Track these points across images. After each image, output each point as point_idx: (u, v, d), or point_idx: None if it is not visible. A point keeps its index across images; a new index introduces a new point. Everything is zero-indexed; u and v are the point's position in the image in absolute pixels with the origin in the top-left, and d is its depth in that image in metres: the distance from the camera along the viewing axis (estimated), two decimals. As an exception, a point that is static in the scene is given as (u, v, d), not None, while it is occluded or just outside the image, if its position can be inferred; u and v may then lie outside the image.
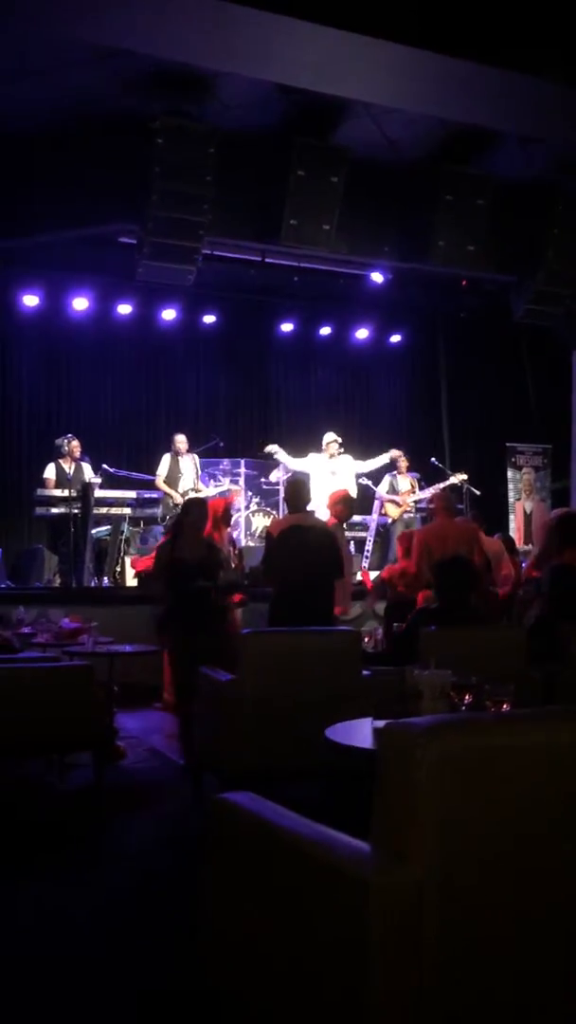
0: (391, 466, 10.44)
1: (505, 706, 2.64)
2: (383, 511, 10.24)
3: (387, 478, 10.42)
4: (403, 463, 10.38)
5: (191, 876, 3.05)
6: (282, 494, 9.53)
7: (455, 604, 4.54)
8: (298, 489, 6.05)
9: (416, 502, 10.24)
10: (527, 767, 1.68)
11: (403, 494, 10.33)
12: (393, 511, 10.24)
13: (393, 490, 10.39)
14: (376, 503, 10.26)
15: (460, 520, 6.78)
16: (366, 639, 4.99)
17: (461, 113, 6.82)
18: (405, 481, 10.45)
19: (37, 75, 6.99)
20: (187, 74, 6.96)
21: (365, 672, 4.23)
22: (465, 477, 10.28)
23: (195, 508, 5.67)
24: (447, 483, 10.17)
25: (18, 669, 4.73)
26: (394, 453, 10.16)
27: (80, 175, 7.97)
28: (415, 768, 1.60)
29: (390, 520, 10.19)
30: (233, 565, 6.37)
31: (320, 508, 9.38)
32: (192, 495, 9.73)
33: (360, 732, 2.87)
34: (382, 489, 10.34)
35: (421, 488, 10.30)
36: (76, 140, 7.85)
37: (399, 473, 10.42)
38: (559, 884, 1.69)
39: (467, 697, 2.82)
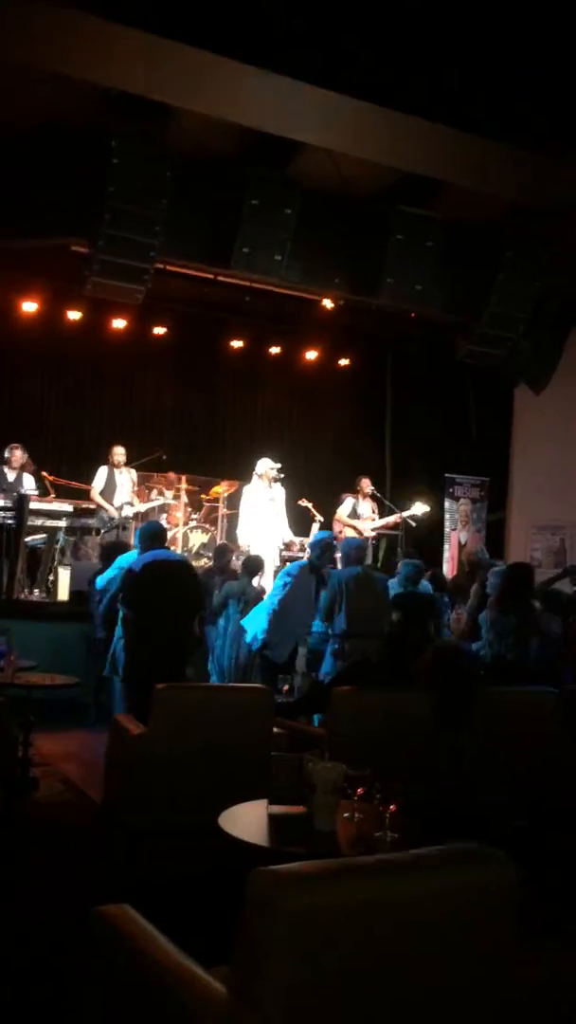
0: (353, 488, 10.36)
1: (393, 807, 2.73)
2: (340, 535, 9.88)
3: (348, 501, 10.19)
4: (367, 487, 10.25)
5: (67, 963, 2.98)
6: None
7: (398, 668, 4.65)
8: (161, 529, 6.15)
9: (374, 530, 10.09)
10: (391, 922, 1.74)
11: (365, 519, 10.06)
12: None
13: (355, 514, 10.20)
14: (335, 527, 10.00)
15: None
16: (283, 688, 5.06)
17: (411, 164, 6.94)
18: (368, 506, 10.25)
19: (-4, 90, 6.92)
20: (147, 100, 6.95)
21: (276, 729, 4.31)
22: (428, 509, 10.19)
23: None
24: (409, 513, 10.13)
25: None
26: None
27: (34, 186, 7.89)
28: (274, 920, 1.66)
29: None
30: None
31: (260, 536, 9.44)
32: (128, 508, 9.75)
33: (254, 819, 2.94)
34: (342, 512, 10.12)
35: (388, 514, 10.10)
36: (32, 152, 7.77)
37: (362, 496, 10.24)
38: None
39: (359, 790, 2.90)
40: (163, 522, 9.79)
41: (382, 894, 1.77)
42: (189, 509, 10.67)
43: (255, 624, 6.49)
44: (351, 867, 1.84)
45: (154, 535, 5.91)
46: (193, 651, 5.67)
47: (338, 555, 7.37)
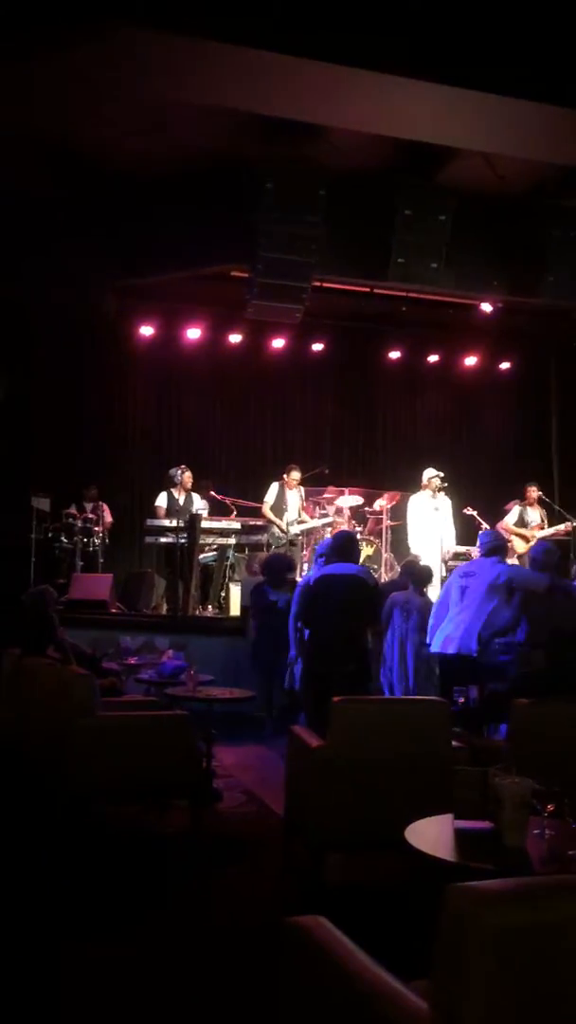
0: (520, 496, 10.14)
1: (586, 823, 2.63)
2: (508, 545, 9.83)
3: (515, 509, 10.04)
4: (533, 494, 10.07)
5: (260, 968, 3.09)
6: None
7: (564, 672, 4.50)
8: (347, 541, 6.07)
9: (543, 539, 9.86)
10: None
11: (534, 528, 9.92)
12: (520, 546, 9.73)
13: (522, 522, 10.01)
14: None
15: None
16: (460, 700, 4.98)
17: (567, 158, 6.74)
18: (536, 513, 10.06)
19: (154, 130, 7.26)
20: (298, 122, 7.08)
21: (455, 743, 4.24)
22: None
23: None
24: None
25: (121, 717, 4.94)
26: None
27: (193, 219, 8.22)
28: (475, 936, 1.64)
29: (516, 556, 9.58)
30: None
31: (427, 547, 9.34)
32: (296, 526, 9.91)
33: (440, 833, 2.90)
34: (509, 520, 9.96)
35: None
36: (189, 185, 8.11)
37: (529, 504, 10.06)
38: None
39: (550, 807, 2.81)
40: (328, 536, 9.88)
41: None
42: (353, 522, 10.69)
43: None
44: (551, 885, 1.79)
45: (337, 548, 5.95)
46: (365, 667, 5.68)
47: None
